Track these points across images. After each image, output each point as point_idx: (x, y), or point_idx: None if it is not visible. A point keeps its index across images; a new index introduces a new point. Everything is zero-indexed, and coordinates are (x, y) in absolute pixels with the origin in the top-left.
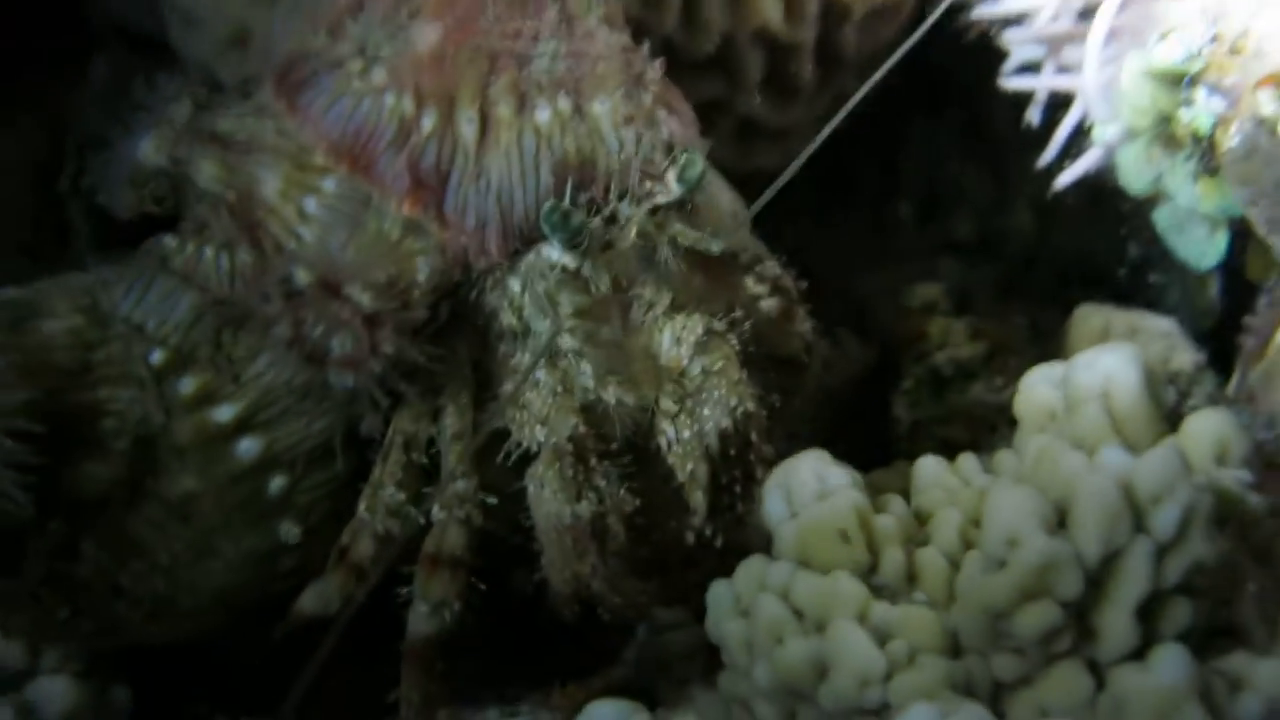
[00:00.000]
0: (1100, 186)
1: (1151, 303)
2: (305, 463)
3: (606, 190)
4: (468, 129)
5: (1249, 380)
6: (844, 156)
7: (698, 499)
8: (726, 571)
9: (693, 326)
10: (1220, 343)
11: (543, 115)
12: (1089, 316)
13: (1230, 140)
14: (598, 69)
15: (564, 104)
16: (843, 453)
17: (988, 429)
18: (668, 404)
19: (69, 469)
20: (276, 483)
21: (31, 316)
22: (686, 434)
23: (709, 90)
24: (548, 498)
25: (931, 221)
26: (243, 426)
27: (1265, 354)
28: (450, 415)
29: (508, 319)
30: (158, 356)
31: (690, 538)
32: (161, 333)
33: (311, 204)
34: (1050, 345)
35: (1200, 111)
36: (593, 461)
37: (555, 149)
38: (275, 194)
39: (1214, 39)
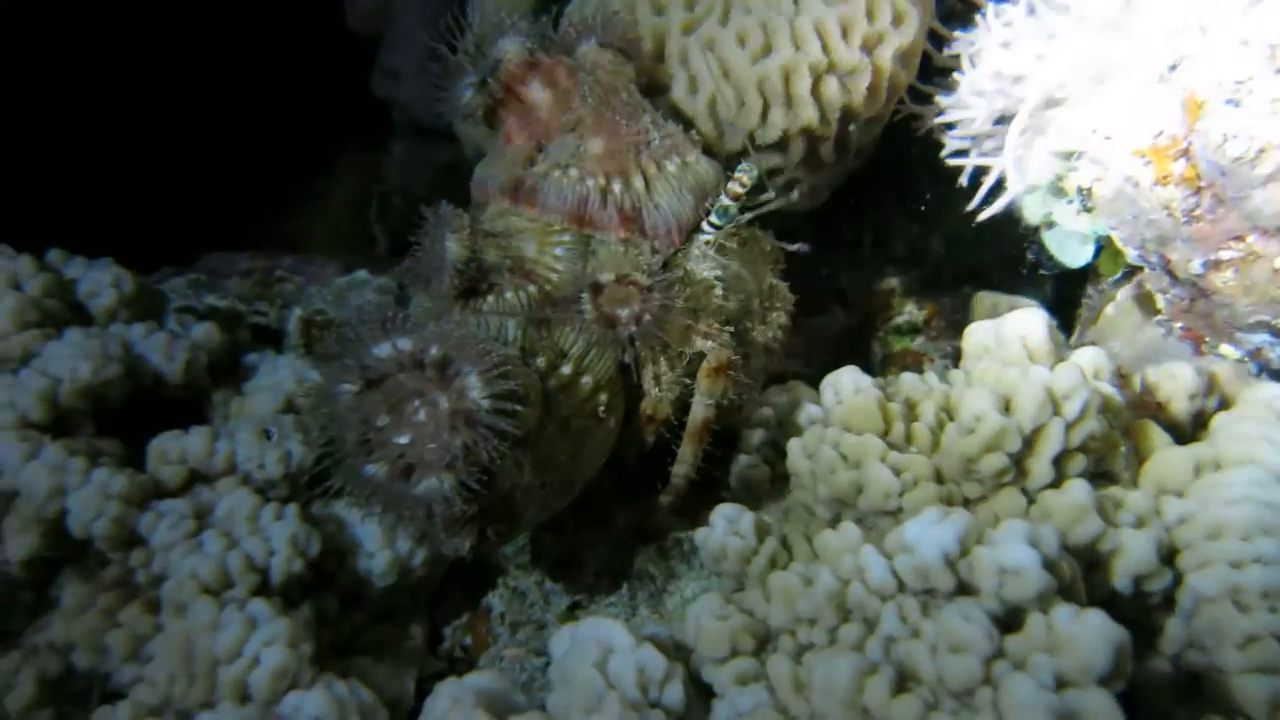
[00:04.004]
0: (984, 226)
1: (1012, 292)
2: (609, 381)
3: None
4: (639, 184)
5: (1086, 335)
6: (837, 209)
7: None
8: None
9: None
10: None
11: (671, 167)
12: (984, 298)
13: (1104, 190)
14: (679, 141)
15: (675, 160)
16: None
17: (928, 360)
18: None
19: (519, 418)
20: (602, 397)
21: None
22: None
23: (771, 162)
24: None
25: (881, 245)
26: (578, 373)
27: (1097, 321)
28: None
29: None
30: (515, 353)
31: None
32: (514, 342)
33: (559, 251)
34: (958, 316)
35: (1085, 173)
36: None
37: (685, 182)
38: (534, 251)
39: (1094, 130)
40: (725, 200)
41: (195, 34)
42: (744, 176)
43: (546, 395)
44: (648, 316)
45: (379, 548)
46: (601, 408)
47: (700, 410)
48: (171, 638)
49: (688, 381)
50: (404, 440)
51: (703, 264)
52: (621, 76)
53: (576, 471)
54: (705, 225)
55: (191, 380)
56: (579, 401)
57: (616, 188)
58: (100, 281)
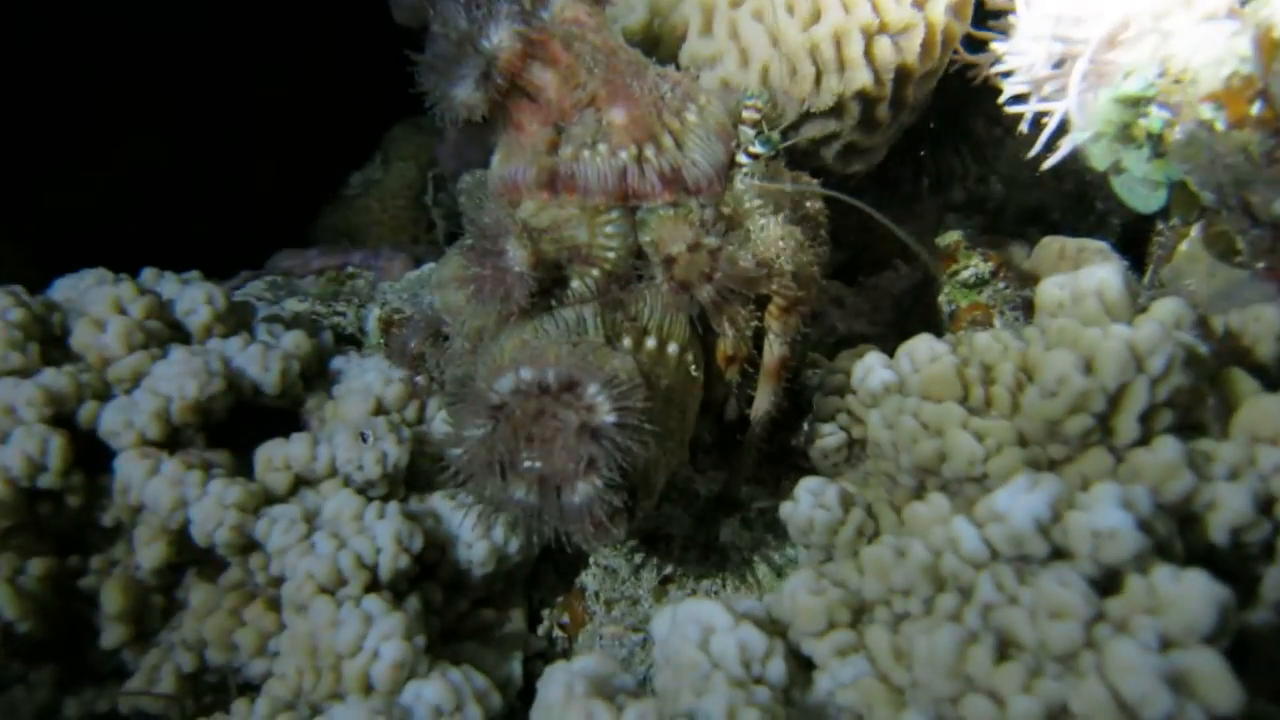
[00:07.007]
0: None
1: (1075, 232)
2: (689, 340)
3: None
4: (670, 143)
5: (1160, 275)
6: (892, 160)
7: None
8: None
9: None
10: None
11: (692, 116)
12: (1050, 243)
13: (1175, 135)
14: (688, 86)
15: (693, 108)
16: (909, 332)
17: (999, 314)
18: None
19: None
20: (689, 357)
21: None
22: None
23: (827, 128)
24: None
25: (938, 192)
26: (663, 343)
27: (1171, 259)
28: None
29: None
30: (600, 337)
31: None
32: (596, 330)
33: (609, 229)
34: (1026, 263)
35: (1155, 119)
36: None
37: (709, 128)
38: (586, 236)
39: (1162, 74)
40: (748, 131)
41: (242, 26)
42: (757, 102)
43: (645, 375)
44: (719, 274)
45: (477, 538)
46: (692, 367)
47: (776, 349)
48: (297, 636)
49: (758, 314)
50: (539, 461)
51: (748, 197)
52: (608, 30)
53: (684, 430)
54: (742, 158)
55: (287, 389)
56: (672, 369)
57: (650, 153)
58: (195, 299)
